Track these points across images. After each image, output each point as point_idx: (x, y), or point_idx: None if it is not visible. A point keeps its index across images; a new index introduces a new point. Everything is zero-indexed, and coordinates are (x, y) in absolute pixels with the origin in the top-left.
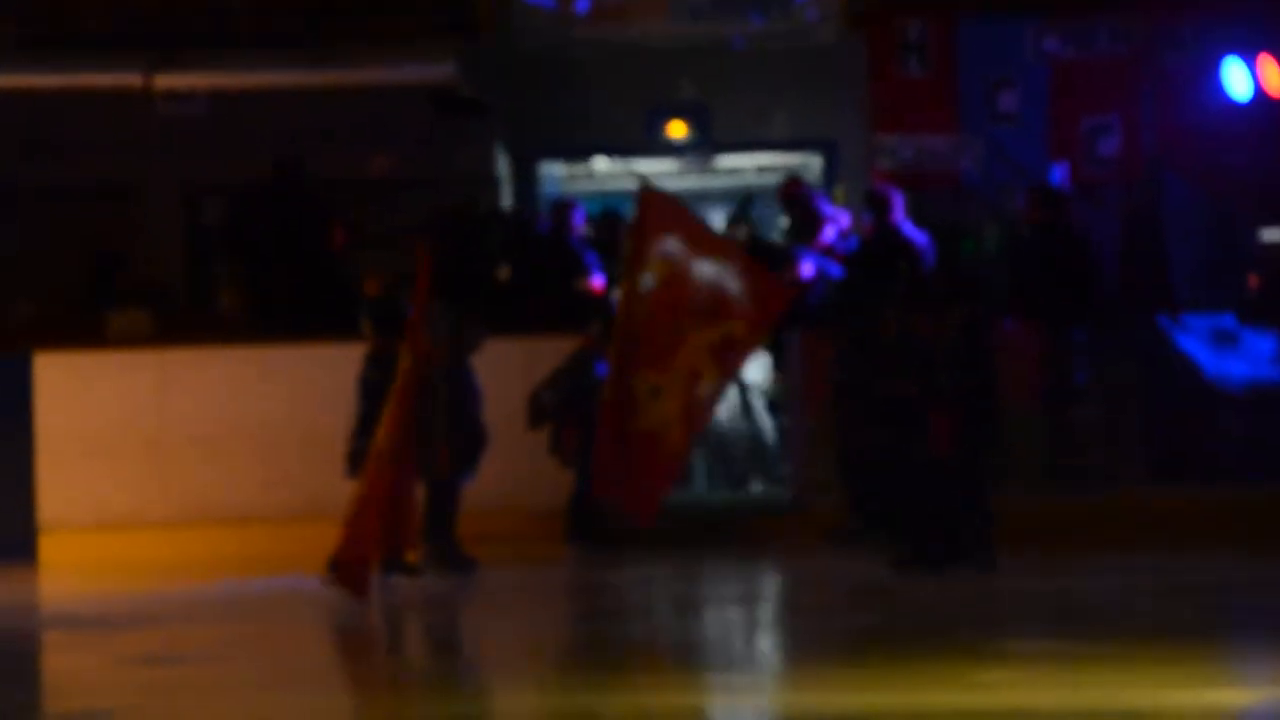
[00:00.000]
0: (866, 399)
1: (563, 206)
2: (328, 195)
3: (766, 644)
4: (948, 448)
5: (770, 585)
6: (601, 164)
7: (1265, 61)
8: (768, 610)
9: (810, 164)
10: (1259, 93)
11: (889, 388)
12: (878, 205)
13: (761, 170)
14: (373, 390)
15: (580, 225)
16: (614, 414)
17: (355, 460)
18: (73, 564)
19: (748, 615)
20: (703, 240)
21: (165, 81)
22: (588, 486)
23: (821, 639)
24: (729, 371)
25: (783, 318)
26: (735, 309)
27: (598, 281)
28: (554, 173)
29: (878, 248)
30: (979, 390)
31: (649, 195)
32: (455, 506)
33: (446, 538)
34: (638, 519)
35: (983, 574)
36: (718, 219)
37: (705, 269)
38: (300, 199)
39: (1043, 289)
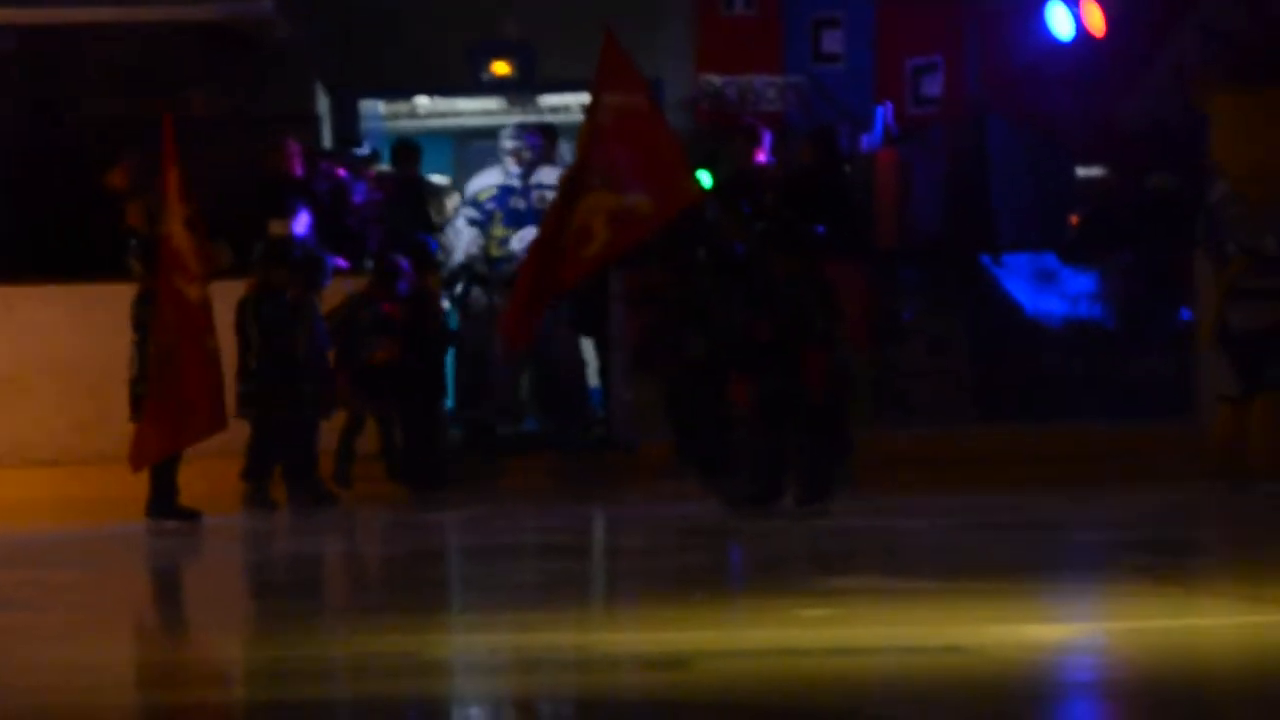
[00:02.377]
0: (716, 339)
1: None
2: (132, 134)
3: (587, 584)
4: (821, 385)
5: (594, 526)
6: (423, 102)
7: (1088, 2)
8: (590, 550)
9: None
10: (1081, 33)
11: (752, 324)
12: (746, 141)
13: (586, 108)
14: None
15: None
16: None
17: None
18: None
19: (568, 556)
20: (644, 107)
21: None
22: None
23: (645, 579)
24: (620, 243)
25: (684, 216)
26: (648, 186)
27: (299, 225)
28: (375, 111)
29: (739, 183)
30: (836, 327)
31: (611, 41)
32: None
33: (269, 475)
34: (509, 342)
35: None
36: None
37: (635, 134)
38: (65, 139)
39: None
